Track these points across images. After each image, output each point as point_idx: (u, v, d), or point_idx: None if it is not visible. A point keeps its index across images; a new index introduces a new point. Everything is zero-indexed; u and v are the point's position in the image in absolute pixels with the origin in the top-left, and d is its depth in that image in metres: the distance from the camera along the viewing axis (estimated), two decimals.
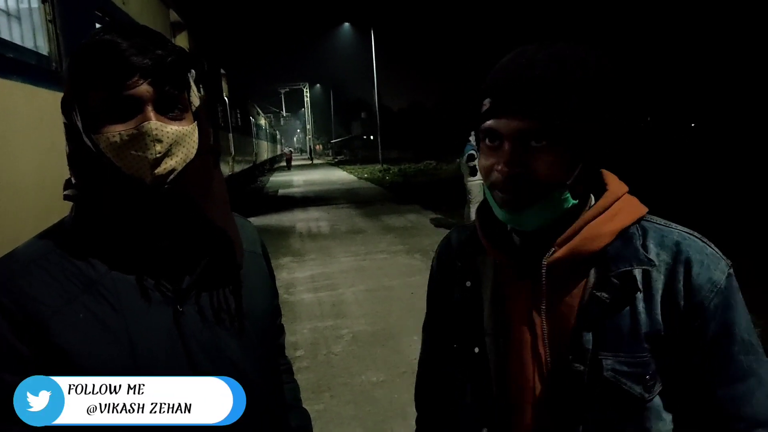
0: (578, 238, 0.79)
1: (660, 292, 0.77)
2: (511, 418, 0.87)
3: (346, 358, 4.10)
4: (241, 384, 0.79)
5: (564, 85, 0.72)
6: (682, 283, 0.76)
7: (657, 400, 0.78)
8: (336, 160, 56.30)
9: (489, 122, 0.78)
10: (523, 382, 0.85)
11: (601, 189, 0.84)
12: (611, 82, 0.76)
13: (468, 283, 0.93)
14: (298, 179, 26.44)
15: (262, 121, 27.85)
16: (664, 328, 0.76)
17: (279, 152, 48.34)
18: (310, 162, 53.83)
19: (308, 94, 74.34)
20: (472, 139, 8.21)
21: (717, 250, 0.79)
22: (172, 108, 0.79)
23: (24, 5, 3.03)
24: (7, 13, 2.91)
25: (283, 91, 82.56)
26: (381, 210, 12.47)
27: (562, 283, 0.81)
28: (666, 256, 0.78)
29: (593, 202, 0.84)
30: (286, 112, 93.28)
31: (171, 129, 0.78)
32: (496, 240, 0.89)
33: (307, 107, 75.08)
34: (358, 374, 3.81)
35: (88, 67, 0.75)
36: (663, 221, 0.83)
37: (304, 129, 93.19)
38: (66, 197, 0.82)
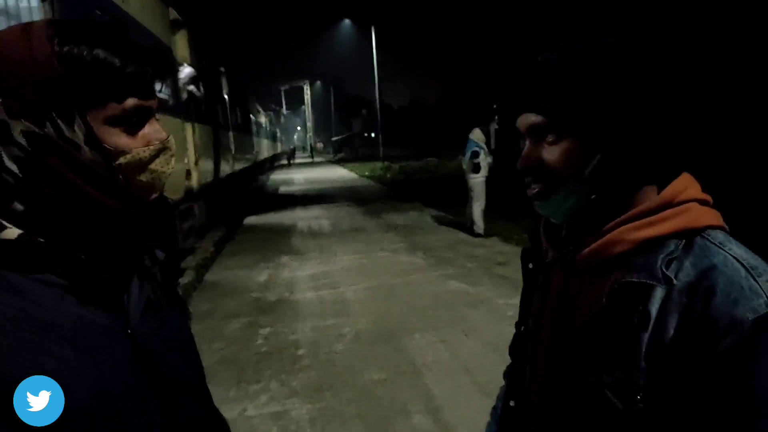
0: (601, 241, 0.76)
1: (675, 315, 0.68)
2: (531, 395, 0.92)
3: (347, 357, 4.09)
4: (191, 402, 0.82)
5: (565, 76, 0.74)
6: (698, 312, 0.67)
7: (643, 424, 0.71)
8: (336, 157, 56.29)
9: (517, 122, 0.81)
10: (537, 366, 0.90)
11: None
12: (633, 66, 0.71)
13: (530, 266, 0.98)
14: (299, 177, 26.44)
15: (263, 119, 27.82)
16: (668, 356, 0.68)
17: (279, 150, 48.42)
18: (311, 160, 53.82)
19: (309, 92, 74.34)
20: (473, 136, 8.21)
21: (767, 286, 0.66)
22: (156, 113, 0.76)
23: (24, 4, 3.02)
24: (7, 12, 2.90)
25: (283, 88, 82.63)
26: (382, 208, 12.46)
27: (584, 281, 0.80)
28: (693, 279, 0.69)
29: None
30: (286, 109, 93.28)
31: (173, 140, 0.76)
32: (550, 230, 0.91)
33: (308, 105, 75.10)
34: (359, 373, 3.80)
35: (106, 76, 0.67)
36: (724, 240, 0.72)
37: (304, 127, 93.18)
38: (6, 242, 0.65)
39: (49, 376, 0.63)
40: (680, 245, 0.72)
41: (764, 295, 0.65)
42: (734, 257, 0.69)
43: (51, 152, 0.65)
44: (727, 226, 0.75)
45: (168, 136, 0.75)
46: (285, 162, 45.74)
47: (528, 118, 0.78)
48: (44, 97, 0.64)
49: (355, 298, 5.54)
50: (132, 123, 0.70)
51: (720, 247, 0.71)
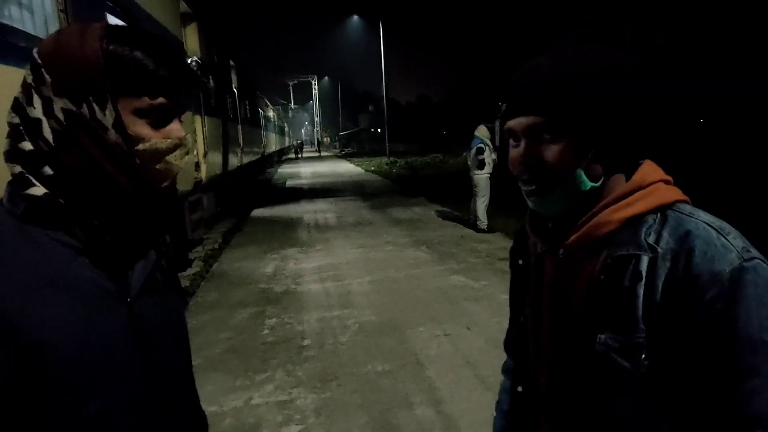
0: (588, 224, 0.85)
1: (662, 278, 0.78)
2: (539, 379, 0.98)
3: (352, 348, 4.14)
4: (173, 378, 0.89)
5: (561, 81, 0.81)
6: (681, 271, 0.76)
7: (650, 378, 0.79)
8: (343, 152, 56.27)
9: (508, 123, 0.87)
10: (542, 350, 0.96)
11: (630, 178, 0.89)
12: (618, 73, 0.82)
13: (520, 261, 1.06)
14: (306, 171, 26.48)
15: (271, 113, 27.87)
16: (661, 315, 0.77)
17: (287, 144, 48.65)
18: (318, 154, 53.83)
19: (316, 87, 74.21)
20: (478, 133, 8.21)
21: (734, 242, 0.77)
22: (180, 116, 0.86)
23: None
24: (20, 3, 2.94)
25: (291, 83, 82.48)
26: (388, 202, 12.50)
27: (576, 264, 0.88)
28: (674, 245, 0.79)
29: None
30: (294, 104, 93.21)
31: (190, 140, 0.86)
32: (536, 225, 0.99)
33: (315, 99, 74.98)
34: (364, 364, 3.85)
35: (140, 75, 0.77)
36: (691, 210, 0.84)
37: (311, 121, 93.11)
38: (32, 197, 0.76)
39: (46, 324, 0.73)
40: (656, 219, 0.83)
41: (735, 249, 0.76)
42: (704, 222, 0.80)
43: (82, 129, 0.76)
44: (689, 199, 0.87)
45: (186, 135, 0.84)
46: (293, 155, 46.40)
47: (526, 120, 0.84)
48: (85, 83, 0.75)
49: (360, 291, 5.59)
50: (156, 118, 0.80)
51: (690, 216, 0.82)
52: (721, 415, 0.74)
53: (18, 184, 0.77)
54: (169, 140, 0.81)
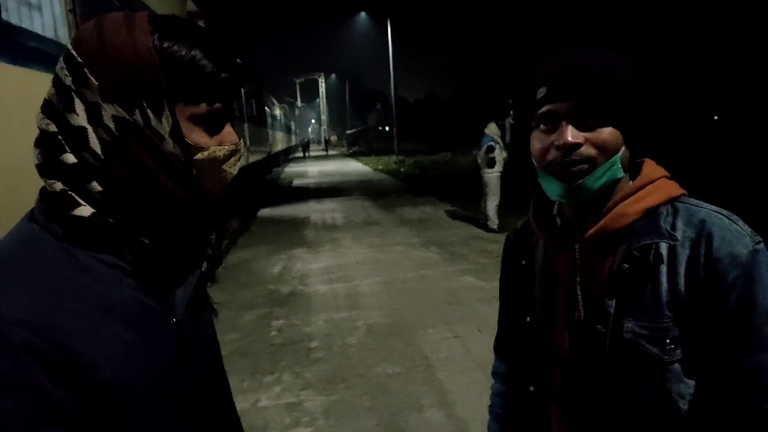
0: (607, 217, 0.89)
1: (684, 264, 0.83)
2: (551, 377, 0.99)
3: (361, 350, 4.10)
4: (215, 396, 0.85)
5: (606, 70, 0.85)
6: (703, 256, 0.82)
7: (677, 364, 0.84)
8: (351, 151, 56.30)
9: (546, 107, 0.88)
10: (560, 344, 0.97)
11: (637, 174, 0.93)
12: (635, 77, 0.88)
13: (523, 262, 1.07)
14: (313, 170, 26.50)
15: (277, 112, 27.89)
16: (686, 298, 0.83)
17: (294, 143, 48.84)
18: (325, 153, 53.88)
19: (323, 85, 74.33)
20: (488, 131, 8.16)
21: (744, 227, 0.84)
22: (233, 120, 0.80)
23: None
24: (29, 3, 2.93)
25: (298, 81, 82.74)
26: (396, 202, 12.46)
27: (595, 257, 0.92)
28: (691, 233, 0.84)
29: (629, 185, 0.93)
30: (301, 102, 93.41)
31: (242, 144, 0.80)
32: (543, 223, 1.01)
33: (322, 97, 75.10)
34: (373, 366, 3.81)
35: (199, 78, 0.69)
36: (696, 202, 0.90)
37: (318, 119, 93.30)
38: (79, 218, 0.67)
39: (117, 358, 0.66)
40: (668, 210, 0.88)
41: (747, 234, 0.83)
42: (714, 211, 0.87)
43: (135, 139, 0.67)
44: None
45: (240, 140, 0.78)
46: (301, 154, 46.68)
47: (572, 104, 0.86)
48: (138, 86, 0.66)
49: (369, 292, 5.55)
50: (213, 124, 0.73)
51: (699, 206, 0.88)
52: (744, 388, 0.79)
53: (60, 203, 0.68)
54: (226, 147, 0.74)
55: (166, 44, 0.67)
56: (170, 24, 0.70)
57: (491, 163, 8.08)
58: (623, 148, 0.88)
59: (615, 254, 0.89)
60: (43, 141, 0.69)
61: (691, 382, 0.84)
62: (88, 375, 0.63)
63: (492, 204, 8.19)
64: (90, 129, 0.66)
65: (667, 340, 0.84)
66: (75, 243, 0.68)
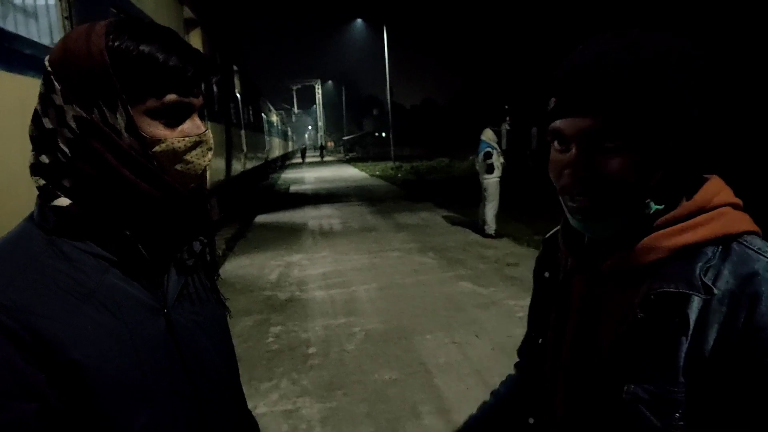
0: (633, 248, 0.72)
1: (715, 326, 0.65)
2: (554, 408, 0.85)
3: (358, 356, 4.09)
4: (219, 389, 0.85)
5: (640, 76, 0.65)
6: (741, 321, 0.63)
7: None
8: (347, 157, 56.32)
9: (555, 123, 0.72)
10: (560, 379, 0.83)
11: (693, 194, 0.73)
12: (699, 75, 0.67)
13: (546, 274, 0.92)
14: (310, 176, 26.49)
15: (274, 118, 27.89)
16: (710, 369, 0.65)
17: (291, 149, 49.10)
18: (320, 159, 53.89)
19: (320, 91, 74.48)
20: (484, 137, 8.18)
21: None
22: (201, 113, 0.81)
23: (41, 2, 3.04)
24: (25, 10, 2.92)
25: (294, 87, 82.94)
26: (393, 208, 12.45)
27: (610, 292, 0.76)
28: (734, 286, 0.65)
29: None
30: (297, 108, 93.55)
31: (211, 135, 0.81)
32: (570, 237, 0.84)
33: (319, 104, 75.25)
34: (370, 372, 3.80)
35: (148, 70, 0.72)
36: (762, 246, 0.68)
37: (315, 126, 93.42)
38: (59, 209, 0.73)
39: (88, 340, 0.69)
40: (717, 252, 0.68)
41: None
42: None
43: (95, 136, 0.71)
44: (760, 231, 0.71)
45: (205, 131, 0.79)
46: (299, 160, 47.47)
47: (582, 122, 0.68)
48: (93, 86, 0.71)
49: (366, 298, 5.54)
50: (171, 117, 0.75)
51: (760, 253, 0.67)
52: None
53: (43, 196, 0.74)
54: (186, 138, 0.76)
55: (117, 43, 0.71)
56: (126, 26, 0.74)
57: (490, 169, 8.10)
58: (659, 176, 0.69)
59: (634, 294, 0.71)
60: (32, 145, 0.75)
61: None
62: (56, 354, 0.66)
63: (491, 209, 8.20)
64: (57, 130, 0.72)
65: (676, 414, 0.67)
66: (60, 234, 0.73)
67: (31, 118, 0.75)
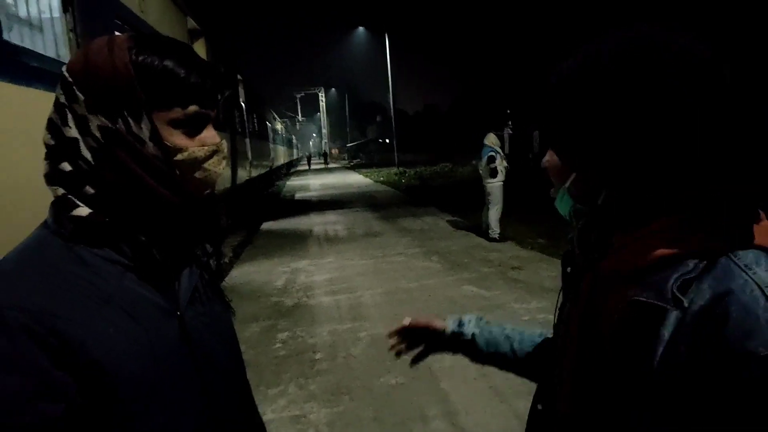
0: (621, 252, 0.71)
1: (688, 342, 0.60)
2: (558, 401, 0.86)
3: (364, 361, 4.10)
4: (231, 390, 0.89)
5: (555, 90, 0.71)
6: (710, 340, 0.59)
7: None
8: (352, 163, 56.39)
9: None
10: (564, 374, 0.83)
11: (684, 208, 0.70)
12: (625, 79, 0.64)
13: (568, 269, 0.92)
14: (315, 183, 26.54)
15: (279, 126, 28.05)
16: (672, 390, 0.61)
17: (295, 156, 49.61)
18: (325, 166, 54.01)
19: (323, 99, 74.72)
20: (487, 141, 8.20)
21: None
22: (216, 123, 0.85)
23: (46, 15, 3.09)
24: (30, 24, 2.97)
25: (298, 95, 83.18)
26: (398, 213, 12.47)
27: (609, 289, 0.73)
28: (707, 303, 0.60)
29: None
30: (301, 116, 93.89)
31: (226, 145, 0.85)
32: (582, 233, 0.86)
33: (323, 111, 75.48)
34: (377, 377, 3.81)
35: (172, 83, 0.76)
36: (750, 262, 0.62)
37: (319, 133, 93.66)
38: (78, 218, 0.75)
39: (109, 342, 0.72)
40: (700, 265, 0.63)
41: None
42: (757, 283, 0.59)
43: (119, 145, 0.75)
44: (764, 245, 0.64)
45: (221, 141, 0.84)
46: (305, 167, 48.65)
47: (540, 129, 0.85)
48: (119, 97, 0.74)
49: (372, 303, 5.55)
50: (191, 127, 0.80)
51: (744, 270, 0.61)
52: None
53: (62, 205, 0.76)
54: (206, 147, 0.81)
55: (141, 58, 0.75)
56: (147, 41, 0.78)
57: (493, 173, 8.12)
58: (572, 177, 0.82)
59: (620, 299, 0.69)
60: (47, 154, 0.77)
61: None
62: (80, 356, 0.69)
63: (495, 213, 8.21)
64: (81, 139, 0.75)
65: None
66: (78, 241, 0.75)
67: (45, 127, 0.77)
